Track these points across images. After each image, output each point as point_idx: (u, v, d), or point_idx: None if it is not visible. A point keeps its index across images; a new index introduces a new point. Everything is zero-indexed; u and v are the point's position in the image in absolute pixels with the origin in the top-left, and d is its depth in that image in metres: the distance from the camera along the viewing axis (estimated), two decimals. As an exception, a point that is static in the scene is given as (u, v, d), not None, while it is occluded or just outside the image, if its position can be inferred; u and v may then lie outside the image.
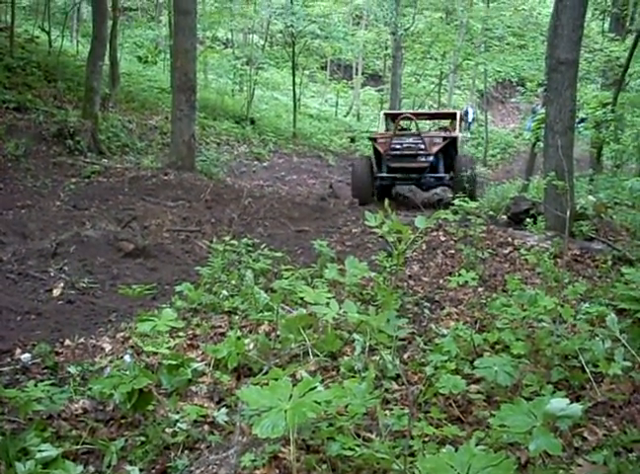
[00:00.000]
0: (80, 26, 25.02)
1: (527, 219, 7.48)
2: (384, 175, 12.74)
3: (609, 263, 5.95)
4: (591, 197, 8.51)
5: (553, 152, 7.10)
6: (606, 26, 18.18)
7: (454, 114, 15.10)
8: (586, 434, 2.61)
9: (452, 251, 6.68)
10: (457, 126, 14.12)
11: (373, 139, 13.09)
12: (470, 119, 31.06)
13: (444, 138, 12.50)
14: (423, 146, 12.09)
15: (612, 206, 8.59)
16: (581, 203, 8.00)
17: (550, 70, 7.74)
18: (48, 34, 17.52)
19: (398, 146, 12.30)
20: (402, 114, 14.16)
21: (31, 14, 22.50)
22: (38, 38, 18.00)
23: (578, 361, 3.10)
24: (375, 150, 12.75)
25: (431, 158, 12.17)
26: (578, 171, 11.48)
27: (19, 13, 19.49)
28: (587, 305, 3.85)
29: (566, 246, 6.00)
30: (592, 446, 2.53)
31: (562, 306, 3.40)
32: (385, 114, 15.80)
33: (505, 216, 8.49)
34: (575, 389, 3.04)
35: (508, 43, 24.38)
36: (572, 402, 2.08)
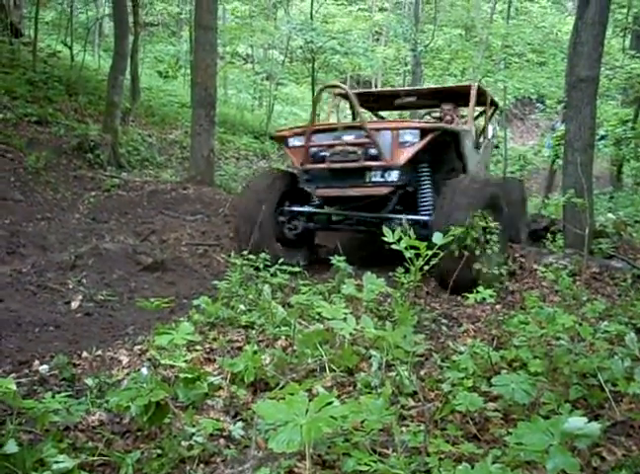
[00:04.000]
0: (102, 41, 25.29)
1: (546, 237, 7.45)
2: (299, 209, 7.62)
3: (629, 281, 5.91)
4: (610, 215, 8.46)
5: (572, 169, 7.07)
6: (627, 43, 18.11)
7: (464, 89, 8.36)
8: (604, 454, 2.59)
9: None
10: (470, 114, 8.12)
11: (281, 139, 7.59)
12: (490, 136, 31.01)
13: (426, 132, 6.58)
14: (374, 151, 6.55)
15: (632, 224, 8.54)
16: (600, 221, 7.96)
17: (570, 87, 7.72)
18: (70, 48, 17.69)
19: (323, 152, 6.89)
20: (335, 85, 8.39)
21: (53, 29, 22.72)
22: (60, 52, 18.17)
23: (596, 380, 3.07)
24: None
25: (394, 176, 6.64)
26: (598, 188, 11.44)
27: (42, 28, 19.69)
28: (606, 323, 3.83)
29: (585, 264, 5.96)
30: (610, 466, 2.50)
31: (581, 324, 3.38)
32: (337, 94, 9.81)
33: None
34: (593, 408, 3.01)
35: (527, 60, 24.34)
36: (590, 421, 2.06)
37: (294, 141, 7.13)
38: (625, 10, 17.38)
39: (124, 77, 14.09)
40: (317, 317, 4.30)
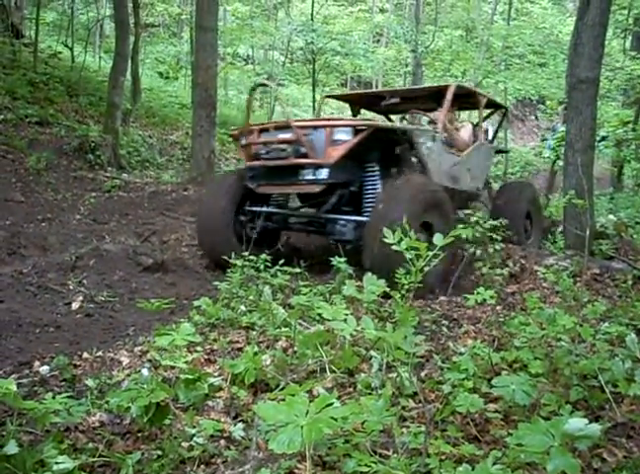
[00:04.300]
0: (102, 42, 25.32)
1: (547, 238, 7.45)
2: (256, 209, 7.67)
3: (630, 282, 5.91)
4: (611, 216, 8.47)
5: (573, 170, 7.07)
6: (628, 44, 18.13)
7: (439, 90, 8.29)
8: (605, 456, 2.59)
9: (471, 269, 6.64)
10: (442, 114, 7.81)
11: (236, 138, 7.63)
12: (490, 137, 31.04)
13: (359, 130, 6.42)
14: (303, 150, 6.51)
15: (633, 226, 8.55)
16: (601, 222, 7.96)
17: (570, 88, 7.72)
18: (71, 49, 17.74)
19: (264, 151, 6.97)
20: (264, 84, 8.50)
21: (54, 30, 22.77)
22: (61, 53, 18.20)
23: (597, 381, 3.07)
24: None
25: (324, 174, 6.55)
26: (598, 189, 11.45)
27: (43, 29, 19.74)
28: (606, 325, 3.83)
29: (585, 265, 5.96)
30: (611, 468, 2.50)
31: (581, 325, 3.37)
32: (327, 96, 10.68)
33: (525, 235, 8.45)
34: (594, 409, 3.01)
35: (528, 62, 24.36)
36: (591, 422, 2.06)
37: (243, 140, 7.21)
38: (626, 11, 17.39)
39: (125, 78, 14.12)
40: (318, 318, 4.30)
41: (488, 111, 9.50)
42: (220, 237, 7.26)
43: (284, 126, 6.68)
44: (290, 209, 7.73)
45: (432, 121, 8.40)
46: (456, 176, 7.91)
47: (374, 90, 9.60)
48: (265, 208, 7.65)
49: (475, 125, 8.97)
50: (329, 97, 10.82)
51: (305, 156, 6.51)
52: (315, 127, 6.59)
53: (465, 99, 8.65)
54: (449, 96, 7.87)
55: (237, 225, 7.52)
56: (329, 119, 7.39)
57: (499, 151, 10.32)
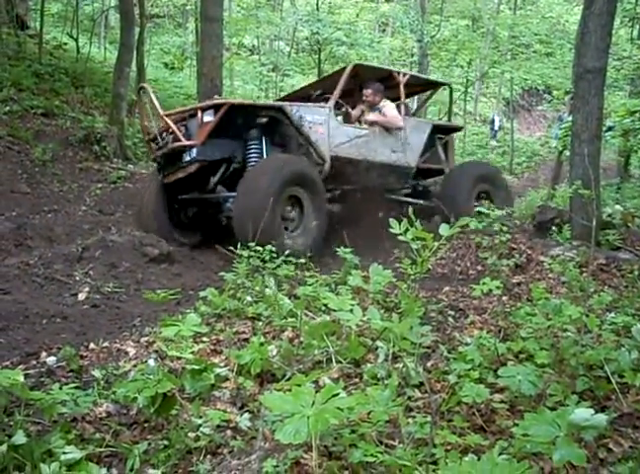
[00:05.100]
0: (108, 33, 25.34)
1: (553, 228, 7.42)
2: (185, 197, 8.10)
3: (636, 272, 5.88)
4: (618, 207, 8.42)
5: (579, 160, 7.03)
6: (635, 33, 18.01)
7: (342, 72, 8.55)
8: (611, 446, 2.58)
9: (477, 259, 6.64)
10: (336, 93, 8.23)
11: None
12: (497, 128, 30.99)
13: (218, 108, 7.12)
14: (172, 134, 7.32)
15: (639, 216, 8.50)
16: (607, 212, 7.93)
17: (577, 78, 7.68)
18: (76, 40, 17.71)
19: (155, 144, 7.82)
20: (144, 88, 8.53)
21: (59, 21, 22.76)
22: (66, 44, 18.20)
23: (603, 372, 3.06)
24: None
25: (195, 154, 7.23)
26: (605, 180, 11.40)
27: (48, 20, 19.70)
28: (613, 315, 3.81)
29: (592, 255, 5.94)
30: (617, 458, 2.50)
31: (587, 316, 3.36)
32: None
33: (531, 225, 8.43)
34: (600, 400, 3.01)
35: (534, 51, 24.29)
36: (597, 412, 2.05)
37: (147, 136, 8.04)
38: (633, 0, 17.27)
39: (130, 69, 14.11)
40: (324, 309, 4.30)
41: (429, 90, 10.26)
42: (159, 226, 7.79)
43: (162, 118, 7.35)
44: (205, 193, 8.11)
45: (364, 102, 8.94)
46: (366, 148, 8.34)
47: (300, 88, 10.34)
48: (185, 196, 8.09)
49: (395, 102, 9.14)
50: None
51: (179, 141, 7.20)
52: (192, 116, 7.35)
53: (382, 80, 8.99)
54: (345, 75, 8.33)
55: (172, 213, 8.09)
56: (197, 105, 7.98)
57: (445, 128, 9.90)
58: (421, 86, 10.09)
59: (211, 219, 8.25)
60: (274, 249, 5.76)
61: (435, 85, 10.25)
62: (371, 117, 8.71)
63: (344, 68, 8.86)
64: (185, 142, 7.18)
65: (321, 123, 7.90)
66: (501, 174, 10.30)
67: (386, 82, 9.05)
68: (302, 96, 9.68)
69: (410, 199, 9.08)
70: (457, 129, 11.52)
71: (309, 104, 8.28)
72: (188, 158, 7.31)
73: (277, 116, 7.66)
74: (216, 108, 7.18)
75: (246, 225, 6.36)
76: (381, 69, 9.46)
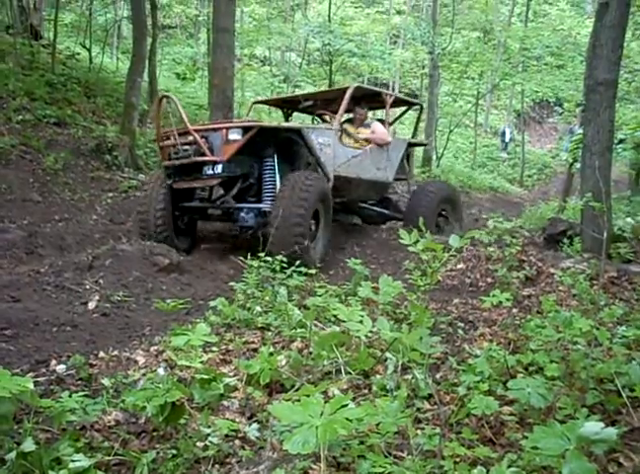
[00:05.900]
0: (120, 43, 25.48)
1: (564, 240, 7.40)
2: (185, 205, 8.53)
3: (647, 286, 5.86)
4: (629, 220, 8.39)
5: (590, 173, 7.01)
6: (647, 46, 17.98)
7: (342, 92, 9.11)
8: (621, 460, 2.57)
9: (487, 271, 6.63)
10: (339, 113, 8.86)
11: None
12: (507, 140, 30.99)
13: (247, 130, 7.60)
14: (200, 150, 7.61)
15: (651, 229, 8.46)
16: (619, 225, 7.90)
17: (588, 90, 7.67)
18: (89, 50, 17.83)
19: (173, 152, 8.01)
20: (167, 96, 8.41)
21: (72, 31, 22.90)
22: (79, 54, 18.30)
23: (614, 385, 3.04)
24: None
25: (219, 169, 7.67)
26: (616, 192, 11.35)
27: (61, 30, 19.82)
28: (623, 328, 3.80)
29: (603, 268, 5.92)
30: (627, 472, 2.48)
31: (598, 329, 3.35)
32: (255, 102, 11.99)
33: (541, 237, 8.41)
34: (610, 413, 2.99)
35: (546, 63, 24.29)
36: (607, 426, 2.04)
37: (162, 142, 8.24)
38: (645, 13, 17.24)
39: (142, 79, 14.17)
40: (333, 319, 4.30)
41: (402, 108, 11.28)
42: (163, 233, 8.12)
43: (186, 132, 7.71)
44: (210, 202, 8.49)
45: (349, 121, 9.81)
46: (359, 167, 9.02)
47: (292, 94, 11.52)
48: (188, 203, 8.50)
49: (381, 121, 10.05)
50: (257, 103, 12.05)
51: (204, 155, 7.56)
52: (215, 130, 7.70)
53: (371, 98, 9.85)
54: (347, 96, 8.84)
55: (174, 219, 8.42)
56: (225, 123, 8.26)
57: (414, 144, 10.95)
58: (399, 104, 11.04)
59: (196, 226, 9.04)
60: (299, 260, 6.30)
61: (410, 104, 11.26)
62: (364, 135, 9.47)
63: (342, 88, 9.56)
64: (211, 157, 7.54)
65: (329, 145, 8.46)
66: (460, 196, 11.15)
67: (375, 100, 9.94)
68: (290, 100, 10.76)
69: (377, 209, 10.24)
70: (424, 145, 14.39)
71: (320, 126, 8.97)
72: (210, 172, 7.67)
73: (294, 137, 8.17)
74: (245, 129, 7.60)
75: (288, 238, 7.01)
76: (374, 90, 10.18)
